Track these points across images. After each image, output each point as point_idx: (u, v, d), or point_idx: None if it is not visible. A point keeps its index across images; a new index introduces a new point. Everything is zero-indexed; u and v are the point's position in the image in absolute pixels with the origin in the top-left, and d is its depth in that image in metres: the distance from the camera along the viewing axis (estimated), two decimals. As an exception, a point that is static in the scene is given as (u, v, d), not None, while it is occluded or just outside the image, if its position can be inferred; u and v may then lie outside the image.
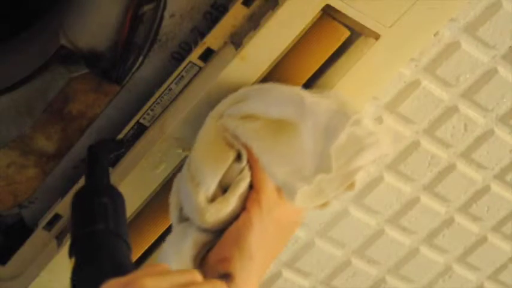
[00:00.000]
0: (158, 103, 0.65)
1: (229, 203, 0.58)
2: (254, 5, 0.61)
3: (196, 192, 0.58)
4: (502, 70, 0.70)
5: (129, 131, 0.66)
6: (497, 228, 0.80)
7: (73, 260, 0.52)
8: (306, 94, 0.59)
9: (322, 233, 0.78)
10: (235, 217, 0.58)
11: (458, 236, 0.80)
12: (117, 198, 0.57)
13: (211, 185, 0.58)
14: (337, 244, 0.79)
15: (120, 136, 0.66)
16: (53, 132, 0.65)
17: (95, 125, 0.67)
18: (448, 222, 0.79)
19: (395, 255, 0.81)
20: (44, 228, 0.69)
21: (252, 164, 0.58)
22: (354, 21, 0.60)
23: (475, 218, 0.79)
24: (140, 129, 0.66)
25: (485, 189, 0.77)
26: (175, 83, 0.64)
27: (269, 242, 0.58)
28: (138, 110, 0.66)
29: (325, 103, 0.59)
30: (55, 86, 0.63)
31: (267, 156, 0.58)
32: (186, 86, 0.64)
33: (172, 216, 0.62)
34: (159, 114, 0.65)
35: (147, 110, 0.65)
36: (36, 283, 0.69)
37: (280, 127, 0.58)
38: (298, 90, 0.60)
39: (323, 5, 0.59)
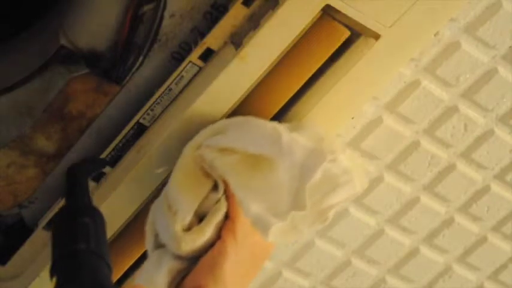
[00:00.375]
0: (158, 103, 0.65)
1: (205, 233, 0.59)
2: (254, 5, 0.61)
3: (173, 221, 0.59)
4: (502, 70, 0.70)
5: (129, 131, 0.66)
6: (497, 228, 0.80)
7: (54, 279, 0.52)
8: (284, 130, 0.60)
9: (322, 233, 0.78)
10: (210, 245, 0.60)
11: (458, 236, 0.80)
12: (98, 218, 0.57)
13: (187, 214, 0.59)
14: (337, 244, 0.79)
15: (119, 138, 0.66)
16: (53, 132, 0.65)
17: (95, 125, 0.67)
18: (448, 222, 0.79)
19: (395, 255, 0.81)
20: (44, 228, 0.69)
21: (228, 194, 0.60)
22: (354, 21, 0.60)
23: (475, 218, 0.79)
24: (140, 129, 0.66)
25: (485, 189, 0.77)
26: (175, 83, 0.64)
27: (243, 270, 0.60)
28: (138, 110, 0.66)
29: (302, 141, 0.60)
30: (55, 86, 0.63)
31: (243, 192, 0.59)
32: (186, 86, 0.64)
33: (148, 243, 0.63)
34: (159, 114, 0.65)
35: (147, 110, 0.65)
36: (36, 283, 0.69)
37: (257, 162, 0.59)
38: (276, 125, 0.61)
39: (323, 5, 0.59)
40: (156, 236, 0.62)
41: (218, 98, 0.61)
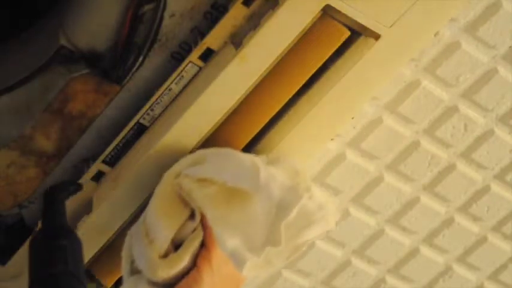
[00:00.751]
0: (158, 103, 0.65)
1: (182, 260, 0.60)
2: (254, 5, 0.61)
3: (149, 248, 0.60)
4: (502, 70, 0.70)
5: (129, 131, 0.66)
6: (497, 228, 0.80)
7: None
8: (262, 164, 0.61)
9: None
10: (186, 273, 0.60)
11: (458, 236, 0.80)
12: (75, 240, 0.58)
13: (164, 242, 0.60)
14: (337, 244, 0.79)
15: (119, 138, 0.66)
16: (53, 132, 0.65)
17: (95, 125, 0.67)
18: (448, 222, 0.79)
19: (395, 255, 0.81)
20: (44, 228, 0.69)
21: (205, 224, 0.60)
22: (354, 21, 0.60)
23: (475, 218, 0.79)
24: (140, 129, 0.66)
25: (485, 189, 0.77)
26: (175, 83, 0.64)
27: None
28: (138, 110, 0.66)
29: (280, 177, 0.61)
30: (55, 86, 0.63)
31: (219, 225, 0.59)
32: (186, 86, 0.64)
33: (124, 269, 0.63)
34: (159, 114, 0.65)
35: (147, 110, 0.65)
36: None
37: (235, 195, 0.60)
38: (254, 159, 0.62)
39: (323, 5, 0.59)
40: (133, 262, 0.62)
41: (218, 98, 0.62)
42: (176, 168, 0.61)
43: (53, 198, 0.62)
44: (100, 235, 0.67)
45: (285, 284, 0.80)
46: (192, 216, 0.61)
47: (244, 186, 0.59)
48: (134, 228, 0.62)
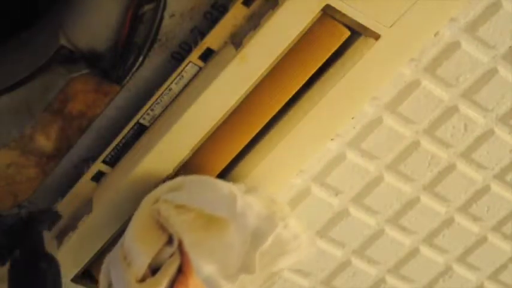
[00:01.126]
0: (158, 103, 0.65)
1: (159, 285, 0.61)
2: (254, 5, 0.61)
3: (127, 272, 0.61)
4: (502, 70, 0.70)
5: (129, 131, 0.66)
6: (497, 228, 0.80)
7: None
8: (239, 193, 0.62)
9: (322, 233, 0.78)
10: None
11: (458, 236, 0.80)
12: (54, 265, 0.59)
13: (142, 266, 0.60)
14: (337, 244, 0.79)
15: (119, 138, 0.66)
16: (53, 132, 0.65)
17: (95, 125, 0.67)
18: (448, 222, 0.79)
19: (395, 255, 0.81)
20: (44, 228, 0.69)
21: (182, 249, 0.61)
22: (354, 21, 0.60)
23: (475, 218, 0.79)
24: (140, 129, 0.66)
25: (485, 189, 0.77)
26: (175, 83, 0.64)
27: None
28: (138, 110, 0.66)
29: (256, 205, 0.62)
30: (55, 86, 0.63)
31: (196, 251, 0.61)
32: (186, 86, 0.64)
33: None
34: (159, 114, 0.65)
35: (147, 110, 0.65)
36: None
37: (212, 222, 0.61)
38: (232, 187, 0.63)
39: (323, 5, 0.59)
40: (110, 285, 0.63)
41: (218, 98, 0.62)
42: (155, 193, 0.63)
43: (32, 225, 0.63)
44: (100, 235, 0.67)
45: (285, 284, 0.80)
46: (170, 241, 0.62)
47: (221, 214, 0.61)
48: (112, 252, 0.63)
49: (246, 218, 0.61)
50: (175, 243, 0.61)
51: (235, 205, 0.61)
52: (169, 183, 0.63)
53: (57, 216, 0.67)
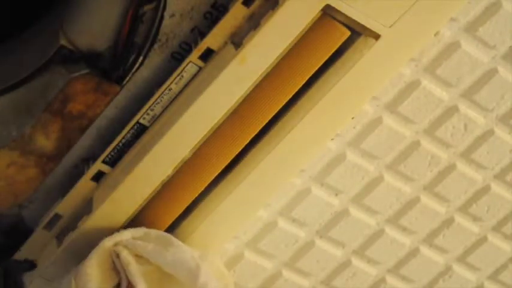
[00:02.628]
0: (158, 103, 0.65)
1: None
2: (254, 5, 0.61)
3: None
4: (502, 70, 0.70)
5: (129, 131, 0.66)
6: (497, 228, 0.80)
7: None
8: (204, 267, 0.63)
9: (322, 233, 0.77)
10: None
11: (458, 236, 0.80)
12: None
13: None
14: (337, 244, 0.79)
15: (119, 138, 0.66)
16: (53, 132, 0.65)
17: (95, 125, 0.67)
18: (448, 222, 0.79)
19: (395, 255, 0.80)
20: (44, 228, 0.69)
21: None
22: (354, 21, 0.60)
23: (475, 218, 0.79)
24: (140, 129, 0.66)
25: (485, 189, 0.77)
26: (175, 83, 0.64)
27: None
28: (138, 110, 0.66)
29: (214, 281, 0.63)
30: (55, 86, 0.63)
31: None
32: (186, 86, 0.64)
33: None
34: (159, 114, 0.65)
35: (147, 110, 0.65)
36: (36, 283, 0.69)
37: (169, 280, 0.63)
38: (194, 254, 0.64)
39: (323, 5, 0.59)
40: None
41: (218, 98, 0.62)
42: (117, 237, 0.64)
43: (12, 273, 0.66)
44: (100, 235, 0.67)
45: (285, 284, 0.80)
46: (118, 285, 0.63)
47: (180, 279, 0.62)
48: (65, 282, 0.64)
49: None
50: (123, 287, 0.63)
51: (198, 276, 0.62)
52: (132, 231, 0.64)
53: (33, 265, 0.69)
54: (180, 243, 0.65)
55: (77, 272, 0.63)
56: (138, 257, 0.63)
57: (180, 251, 0.63)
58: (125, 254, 0.62)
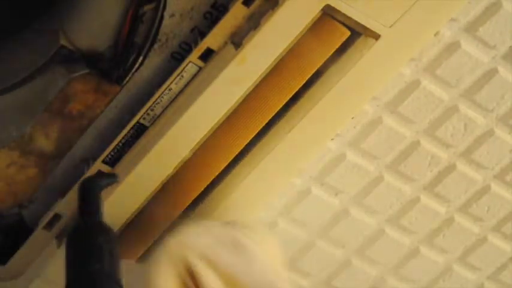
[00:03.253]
0: (158, 103, 0.65)
1: None
2: (254, 5, 0.61)
3: None
4: (502, 70, 0.70)
5: (129, 131, 0.66)
6: (497, 228, 0.80)
7: None
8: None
9: (322, 233, 0.78)
10: None
11: (458, 236, 0.80)
12: (111, 238, 0.57)
13: None
14: (337, 244, 0.79)
15: (119, 138, 0.66)
16: (53, 132, 0.65)
17: (95, 125, 0.67)
18: (448, 222, 0.79)
19: (395, 255, 0.81)
20: (44, 228, 0.69)
21: None
22: (354, 21, 0.60)
23: (475, 218, 0.79)
24: (140, 129, 0.66)
25: (485, 189, 0.77)
26: (175, 83, 0.64)
27: None
28: (138, 110, 0.66)
29: None
30: (55, 86, 0.63)
31: None
32: (186, 86, 0.64)
33: None
34: (159, 114, 0.65)
35: (147, 110, 0.65)
36: (36, 283, 0.69)
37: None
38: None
39: (323, 5, 0.59)
40: None
41: (218, 98, 0.62)
42: (185, 251, 0.56)
43: (89, 191, 0.61)
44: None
45: (285, 284, 0.80)
46: None
47: None
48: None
49: None
50: None
51: None
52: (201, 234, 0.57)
53: (115, 179, 0.64)
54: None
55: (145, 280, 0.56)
56: (215, 268, 0.54)
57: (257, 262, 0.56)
58: (200, 267, 0.54)
